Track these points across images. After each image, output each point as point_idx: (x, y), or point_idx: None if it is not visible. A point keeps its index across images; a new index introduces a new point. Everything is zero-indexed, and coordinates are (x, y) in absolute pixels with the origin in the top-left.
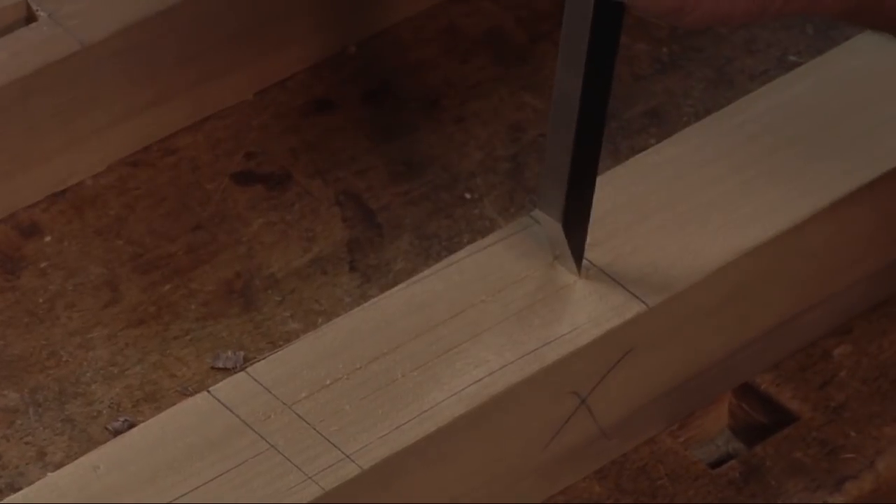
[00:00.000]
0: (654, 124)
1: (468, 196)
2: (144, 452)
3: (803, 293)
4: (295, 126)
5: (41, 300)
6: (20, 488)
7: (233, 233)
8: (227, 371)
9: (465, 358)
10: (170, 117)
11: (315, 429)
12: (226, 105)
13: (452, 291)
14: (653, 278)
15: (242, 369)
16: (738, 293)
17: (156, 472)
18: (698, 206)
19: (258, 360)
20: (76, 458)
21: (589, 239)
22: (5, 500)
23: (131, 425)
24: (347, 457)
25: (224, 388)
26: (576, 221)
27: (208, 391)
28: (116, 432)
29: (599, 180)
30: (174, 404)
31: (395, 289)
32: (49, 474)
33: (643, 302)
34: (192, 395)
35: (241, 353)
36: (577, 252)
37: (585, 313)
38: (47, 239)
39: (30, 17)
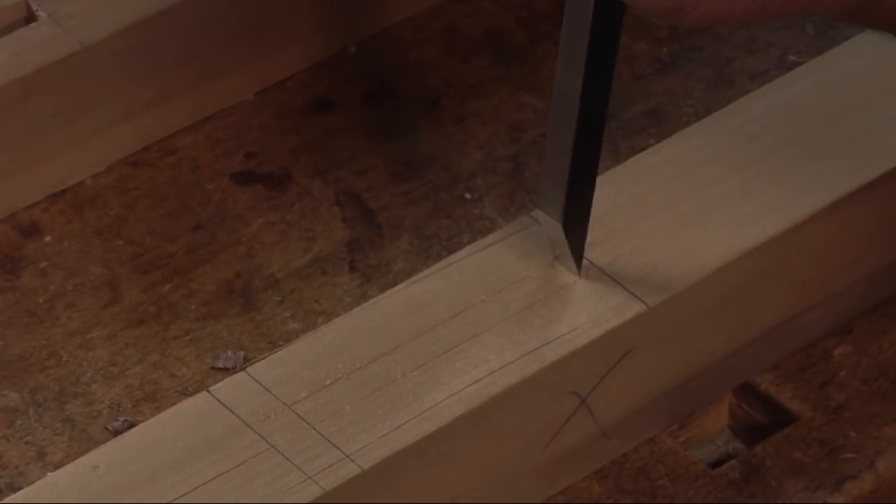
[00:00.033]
0: (654, 124)
1: (468, 196)
2: (144, 452)
3: (803, 293)
4: (295, 126)
5: (41, 300)
6: (20, 488)
7: (233, 233)
8: (227, 371)
9: (465, 358)
10: (170, 117)
11: (315, 429)
12: (226, 105)
13: (452, 291)
14: (653, 278)
15: (242, 369)
16: (738, 293)
17: (156, 472)
18: (698, 206)
19: (258, 360)
20: (76, 458)
21: (589, 239)
22: (5, 500)
23: (131, 425)
24: (347, 457)
25: (224, 388)
26: (576, 221)
27: (208, 391)
28: (116, 432)
29: (599, 180)
30: (174, 404)
31: (395, 289)
32: (49, 474)
33: (643, 302)
34: (192, 395)
35: (241, 353)
36: (577, 252)
37: (585, 313)
38: (47, 239)
39: (30, 17)
